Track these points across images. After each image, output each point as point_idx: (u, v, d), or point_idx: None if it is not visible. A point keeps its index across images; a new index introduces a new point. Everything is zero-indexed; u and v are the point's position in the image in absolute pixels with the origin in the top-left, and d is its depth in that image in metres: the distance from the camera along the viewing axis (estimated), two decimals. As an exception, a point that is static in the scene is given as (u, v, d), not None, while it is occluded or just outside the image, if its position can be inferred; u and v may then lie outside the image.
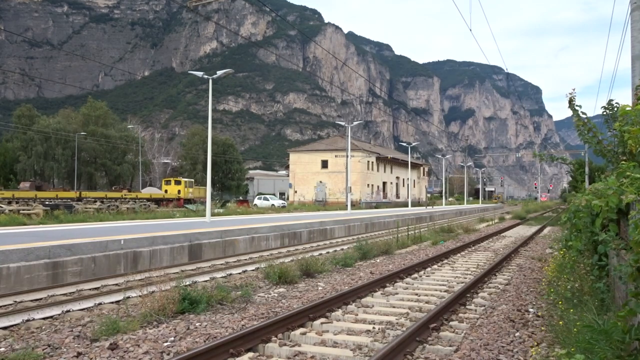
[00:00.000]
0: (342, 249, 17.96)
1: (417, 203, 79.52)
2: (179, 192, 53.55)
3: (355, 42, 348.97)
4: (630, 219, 3.93)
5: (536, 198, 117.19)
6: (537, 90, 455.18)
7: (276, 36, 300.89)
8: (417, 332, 6.57)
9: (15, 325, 7.57)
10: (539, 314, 7.99)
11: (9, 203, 33.39)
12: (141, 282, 10.48)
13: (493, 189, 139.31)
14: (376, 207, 62.55)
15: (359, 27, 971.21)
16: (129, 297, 9.02)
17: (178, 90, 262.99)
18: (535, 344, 6.29)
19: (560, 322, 6.43)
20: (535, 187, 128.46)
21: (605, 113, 7.99)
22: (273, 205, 57.74)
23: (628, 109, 5.94)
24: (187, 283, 9.19)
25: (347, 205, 42.62)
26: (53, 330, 7.22)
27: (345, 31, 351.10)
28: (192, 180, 59.98)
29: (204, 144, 62.44)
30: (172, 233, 15.56)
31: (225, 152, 75.10)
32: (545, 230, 29.23)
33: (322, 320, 7.59)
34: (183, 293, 8.22)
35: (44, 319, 8.00)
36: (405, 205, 70.50)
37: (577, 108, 8.16)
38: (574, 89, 8.18)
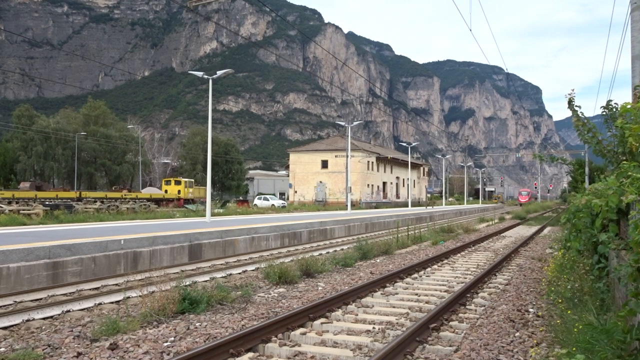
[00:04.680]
0: (342, 249, 17.96)
1: (417, 203, 79.51)
2: (179, 192, 53.55)
3: (355, 42, 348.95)
4: (630, 219, 3.93)
5: (536, 198, 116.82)
6: (537, 90, 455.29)
7: (276, 36, 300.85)
8: (417, 332, 6.57)
9: (15, 325, 7.57)
10: (539, 314, 7.99)
11: (9, 203, 33.39)
12: (141, 282, 10.47)
13: (493, 189, 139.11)
14: (376, 207, 62.55)
15: (359, 27, 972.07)
16: (129, 297, 9.02)
17: (178, 90, 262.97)
18: (535, 344, 6.29)
19: (558, 321, 6.43)
20: (536, 187, 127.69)
21: (604, 113, 7.99)
22: (273, 205, 57.73)
23: (629, 106, 5.94)
24: (187, 283, 9.19)
25: (347, 205, 42.62)
26: (53, 330, 7.22)
27: (345, 31, 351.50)
28: (192, 180, 60.00)
29: (205, 144, 62.44)
30: (172, 233, 15.56)
31: (227, 152, 75.16)
32: (545, 231, 29.24)
33: (322, 320, 7.59)
34: (183, 293, 8.22)
35: (44, 319, 8.00)
36: (405, 205, 70.49)
37: (576, 108, 8.16)
38: (573, 90, 8.19)
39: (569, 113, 8.31)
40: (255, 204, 59.41)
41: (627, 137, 5.06)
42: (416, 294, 9.82)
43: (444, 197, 77.07)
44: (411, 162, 71.15)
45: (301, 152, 75.14)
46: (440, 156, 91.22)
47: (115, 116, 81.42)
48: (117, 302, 9.29)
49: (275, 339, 6.60)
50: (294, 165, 73.05)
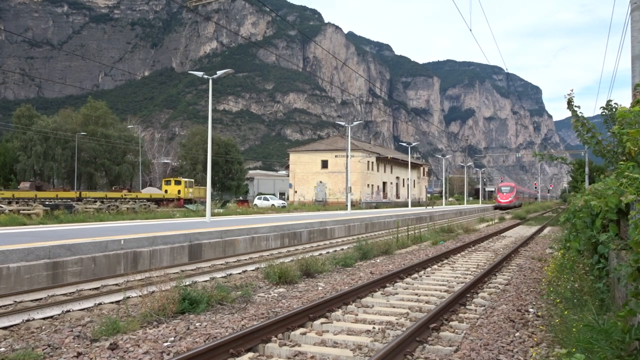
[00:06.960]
0: (342, 249, 17.96)
1: (417, 203, 79.51)
2: (179, 192, 53.56)
3: (355, 42, 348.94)
4: (630, 219, 3.93)
5: (536, 198, 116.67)
6: (537, 90, 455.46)
7: (276, 36, 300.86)
8: (417, 332, 6.57)
9: (15, 325, 7.57)
10: (539, 314, 8.00)
11: (9, 203, 33.40)
12: (141, 282, 10.47)
13: (493, 189, 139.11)
14: (376, 207, 62.55)
15: (359, 27, 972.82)
16: (129, 297, 9.02)
17: (178, 90, 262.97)
18: (535, 344, 6.29)
19: (558, 321, 6.43)
20: (536, 187, 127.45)
21: (604, 113, 7.98)
22: (273, 205, 57.75)
23: (626, 111, 5.93)
24: (187, 283, 9.18)
25: (347, 205, 42.61)
26: (53, 330, 7.22)
27: (345, 31, 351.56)
28: (192, 180, 60.03)
29: (205, 144, 62.45)
30: (172, 233, 15.56)
31: (227, 152, 75.18)
32: (546, 231, 29.24)
33: (322, 320, 7.59)
34: (183, 293, 8.22)
35: (44, 319, 8.00)
36: (405, 205, 70.49)
37: (575, 109, 8.15)
38: (572, 90, 8.17)
39: (569, 113, 8.30)
40: (255, 204, 59.43)
41: (624, 142, 5.05)
42: (416, 294, 9.82)
43: (444, 197, 77.07)
44: (411, 162, 71.15)
45: (301, 152, 75.13)
46: (440, 156, 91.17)
47: (115, 116, 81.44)
48: (117, 302, 9.28)
49: (275, 339, 6.60)
50: (294, 165, 73.04)
